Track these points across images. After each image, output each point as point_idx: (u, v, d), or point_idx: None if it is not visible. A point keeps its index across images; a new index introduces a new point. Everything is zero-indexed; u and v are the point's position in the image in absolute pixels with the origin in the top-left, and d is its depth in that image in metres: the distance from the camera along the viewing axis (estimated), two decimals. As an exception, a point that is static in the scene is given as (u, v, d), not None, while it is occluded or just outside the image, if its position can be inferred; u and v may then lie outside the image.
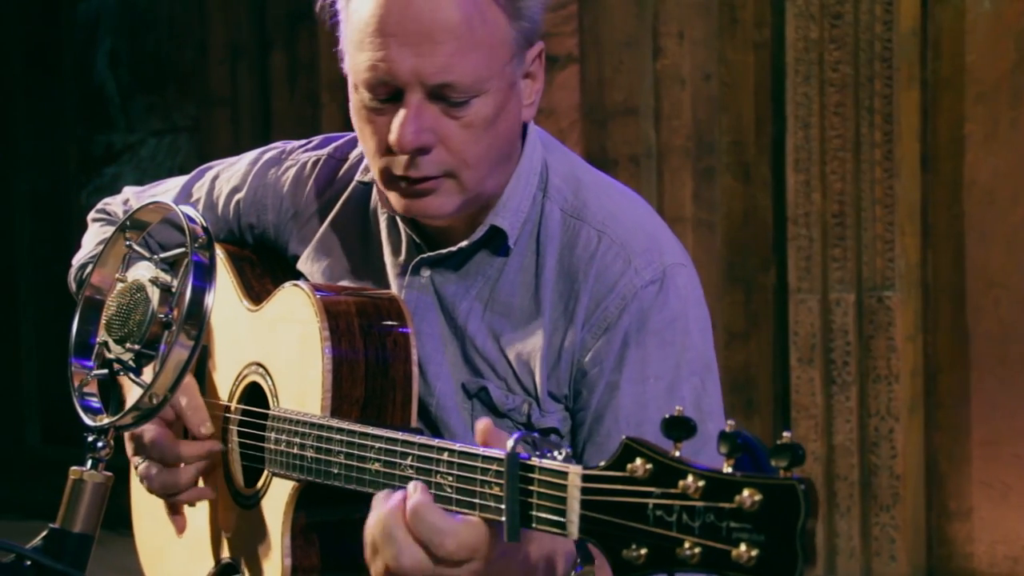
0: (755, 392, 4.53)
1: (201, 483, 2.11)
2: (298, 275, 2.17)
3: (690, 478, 1.34)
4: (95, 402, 1.86)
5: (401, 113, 1.87)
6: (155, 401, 1.74)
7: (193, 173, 2.36)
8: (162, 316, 1.78)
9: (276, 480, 1.96)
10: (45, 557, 1.62)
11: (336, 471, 1.82)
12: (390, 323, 1.95)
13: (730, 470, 1.32)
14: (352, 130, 2.26)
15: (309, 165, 2.23)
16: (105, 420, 1.80)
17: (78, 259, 2.39)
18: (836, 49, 4.26)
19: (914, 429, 4.24)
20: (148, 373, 1.83)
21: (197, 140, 5.94)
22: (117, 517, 2.24)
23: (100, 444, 1.78)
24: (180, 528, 2.15)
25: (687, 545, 1.33)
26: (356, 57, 1.90)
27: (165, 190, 2.36)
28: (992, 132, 4.13)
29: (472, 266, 2.03)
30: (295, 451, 1.89)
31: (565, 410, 2.00)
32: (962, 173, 4.18)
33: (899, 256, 4.20)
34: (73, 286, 2.39)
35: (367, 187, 2.14)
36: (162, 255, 1.84)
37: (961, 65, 4.16)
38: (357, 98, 1.93)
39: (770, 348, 4.54)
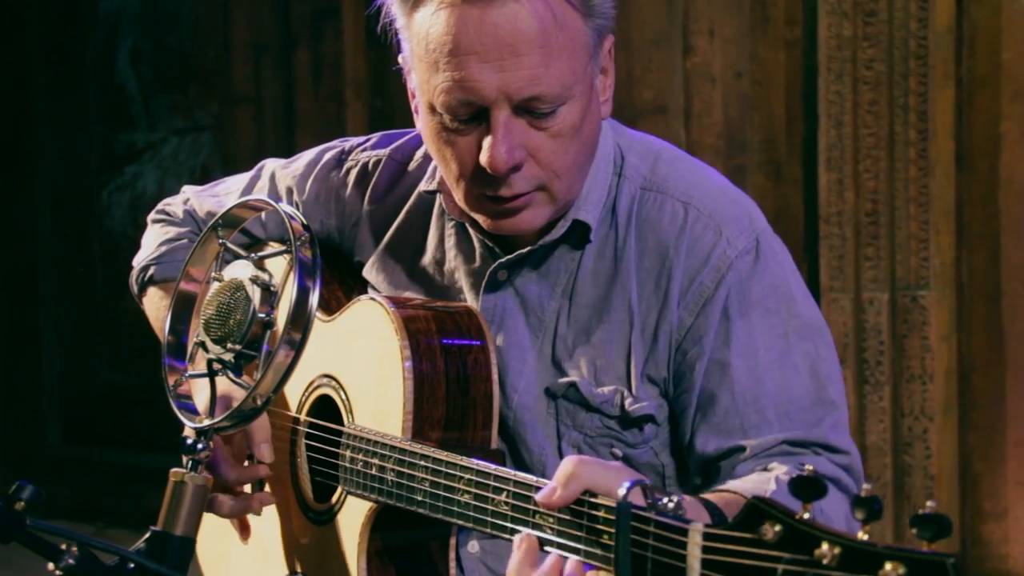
0: (786, 392, 4.50)
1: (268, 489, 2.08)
2: (365, 282, 2.13)
3: (825, 546, 1.26)
4: (192, 403, 1.82)
5: (490, 135, 1.80)
6: (258, 403, 1.70)
7: (252, 171, 2.32)
8: (263, 316, 1.74)
9: (351, 498, 1.92)
10: (148, 560, 1.59)
11: (420, 498, 1.77)
12: (469, 339, 1.90)
13: (866, 537, 1.24)
14: (409, 128, 2.22)
15: (370, 166, 2.18)
16: (204, 422, 1.76)
17: (139, 261, 2.35)
18: (870, 47, 4.23)
19: (948, 429, 4.21)
20: (247, 375, 1.79)
21: (220, 139, 5.90)
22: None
23: (200, 446, 1.75)
24: (245, 536, 2.11)
25: None
26: (431, 79, 1.82)
27: (226, 190, 2.32)
28: (1028, 130, 4.11)
29: (553, 262, 1.97)
30: (373, 472, 1.85)
31: (661, 396, 1.93)
32: (998, 171, 4.15)
33: (934, 255, 4.17)
34: (135, 288, 2.35)
35: (432, 194, 2.09)
36: (261, 253, 1.80)
37: (997, 63, 4.13)
38: (434, 120, 1.86)
39: (802, 348, 4.51)
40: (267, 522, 2.09)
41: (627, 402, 1.91)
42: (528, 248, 1.96)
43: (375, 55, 5.37)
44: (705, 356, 1.88)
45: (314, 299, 1.69)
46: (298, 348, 1.67)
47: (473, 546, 1.98)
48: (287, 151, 5.72)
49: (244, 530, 2.12)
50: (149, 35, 6.15)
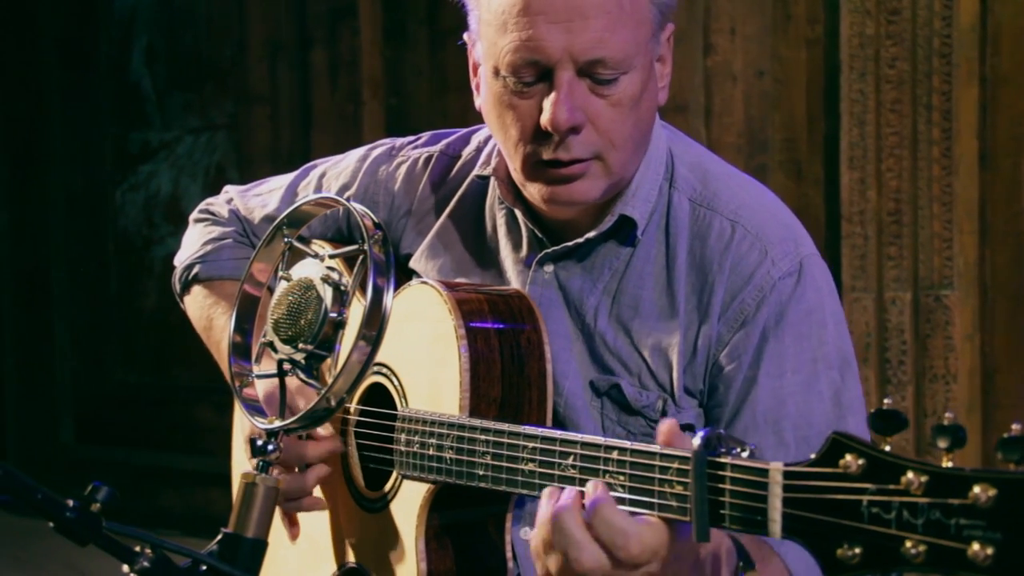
0: (808, 391, 4.48)
1: (319, 491, 2.07)
2: (410, 273, 2.14)
3: (911, 473, 1.29)
4: (260, 404, 1.81)
5: (553, 93, 1.85)
6: (333, 403, 1.70)
7: (298, 171, 2.33)
8: (335, 316, 1.74)
9: (407, 482, 1.92)
10: (220, 562, 1.58)
11: (481, 472, 1.78)
12: (521, 321, 1.92)
13: (951, 464, 1.26)
14: (457, 127, 2.23)
15: (421, 162, 2.21)
16: (276, 423, 1.75)
17: (181, 260, 2.34)
18: (893, 45, 4.22)
19: (971, 429, 4.20)
20: (321, 374, 1.79)
21: (235, 138, 5.88)
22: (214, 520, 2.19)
23: (271, 447, 1.73)
24: (294, 533, 2.11)
25: (909, 544, 1.28)
26: (499, 40, 1.87)
27: (269, 189, 2.33)
28: (1053, 129, 4.10)
29: (598, 258, 2.00)
30: (431, 452, 1.85)
31: (699, 406, 1.96)
32: (1021, 170, 4.14)
33: (957, 254, 4.16)
34: (177, 287, 2.34)
35: (483, 183, 2.12)
36: (332, 252, 1.80)
37: (1021, 61, 4.12)
38: (497, 84, 1.90)
39: (823, 347, 4.49)
40: (318, 518, 2.09)
41: (670, 411, 1.95)
42: (574, 242, 1.98)
43: (391, 54, 5.36)
44: (740, 374, 1.92)
45: (389, 298, 1.69)
46: (373, 348, 1.67)
47: (526, 532, 1.99)
48: (303, 151, 5.67)
49: (294, 528, 2.11)
50: (163, 34, 6.14)
